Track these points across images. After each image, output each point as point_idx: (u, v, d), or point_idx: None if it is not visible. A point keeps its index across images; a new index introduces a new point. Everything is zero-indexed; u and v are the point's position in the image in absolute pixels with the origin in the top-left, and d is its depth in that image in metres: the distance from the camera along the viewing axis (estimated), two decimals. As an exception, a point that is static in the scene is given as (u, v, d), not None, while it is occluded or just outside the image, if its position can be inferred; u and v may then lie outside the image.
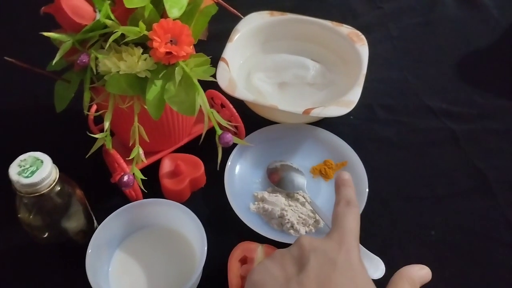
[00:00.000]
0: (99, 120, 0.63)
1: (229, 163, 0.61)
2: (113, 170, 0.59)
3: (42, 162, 0.43)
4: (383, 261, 0.53)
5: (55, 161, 0.44)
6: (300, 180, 0.61)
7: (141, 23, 0.46)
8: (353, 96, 0.62)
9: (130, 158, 0.49)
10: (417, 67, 0.78)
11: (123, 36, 0.47)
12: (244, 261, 0.52)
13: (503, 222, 0.60)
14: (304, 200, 0.59)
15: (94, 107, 0.62)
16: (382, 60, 0.78)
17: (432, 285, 0.53)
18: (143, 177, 0.50)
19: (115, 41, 0.47)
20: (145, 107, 0.48)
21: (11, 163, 0.43)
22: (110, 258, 0.52)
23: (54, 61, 0.46)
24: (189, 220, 0.51)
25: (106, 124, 0.49)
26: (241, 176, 0.62)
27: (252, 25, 0.72)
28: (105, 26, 0.47)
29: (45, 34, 0.46)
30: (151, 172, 0.58)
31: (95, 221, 0.54)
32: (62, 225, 0.48)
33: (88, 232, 0.51)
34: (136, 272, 0.51)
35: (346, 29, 0.72)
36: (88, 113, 0.50)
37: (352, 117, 0.70)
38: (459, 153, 0.67)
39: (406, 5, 0.88)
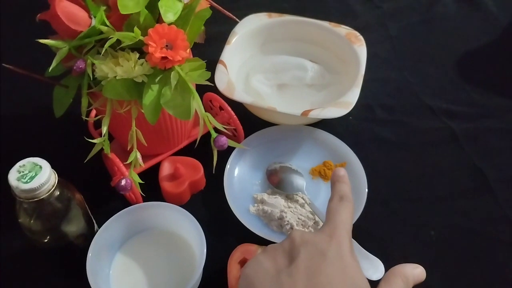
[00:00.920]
0: (99, 124, 0.63)
1: (228, 165, 0.62)
2: (113, 173, 0.59)
3: (40, 167, 0.43)
4: (382, 262, 0.53)
5: (54, 166, 0.45)
6: (300, 181, 0.61)
7: (136, 29, 0.46)
8: (352, 97, 0.62)
9: (128, 162, 0.49)
10: (416, 67, 0.78)
11: (119, 41, 0.48)
12: (243, 263, 0.52)
13: (503, 222, 0.59)
14: (304, 201, 0.59)
15: (94, 112, 0.63)
16: (381, 60, 0.78)
17: (432, 285, 0.54)
18: (141, 181, 0.50)
19: (111, 46, 0.48)
20: (142, 111, 0.48)
21: (10, 168, 0.43)
22: (111, 261, 0.53)
23: (50, 68, 0.47)
24: (189, 222, 0.52)
25: (104, 129, 0.49)
26: (240, 178, 0.62)
27: (250, 27, 0.72)
28: (101, 32, 0.47)
29: (41, 41, 0.46)
30: (151, 175, 0.58)
31: (95, 224, 0.55)
32: (62, 229, 0.48)
33: (88, 235, 0.51)
34: (136, 275, 0.52)
35: (344, 30, 0.72)
36: (86, 118, 0.50)
37: (351, 118, 0.70)
38: (459, 153, 0.67)
39: (405, 5, 0.88)
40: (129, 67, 0.48)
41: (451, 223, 0.59)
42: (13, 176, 0.43)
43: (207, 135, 0.52)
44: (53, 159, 0.45)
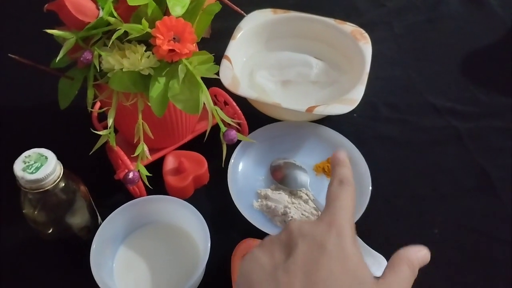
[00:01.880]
0: (103, 117, 0.63)
1: (232, 160, 0.62)
2: (117, 167, 0.59)
3: (46, 158, 0.43)
4: (386, 259, 0.53)
5: (59, 158, 0.45)
6: (304, 177, 0.61)
7: (144, 21, 0.46)
8: (356, 94, 0.62)
9: (135, 155, 0.49)
10: (420, 65, 0.78)
11: (126, 33, 0.48)
12: (246, 258, 0.52)
13: (506, 221, 0.59)
14: (308, 197, 0.59)
15: (98, 104, 0.62)
16: (385, 58, 0.78)
17: (436, 283, 0.54)
18: (148, 174, 0.50)
19: (118, 38, 0.48)
20: (149, 104, 0.48)
21: (15, 159, 0.43)
22: (114, 254, 0.52)
23: (57, 59, 0.47)
24: (193, 217, 0.51)
25: (110, 121, 0.49)
26: (244, 173, 0.62)
27: (255, 23, 0.72)
28: (108, 24, 0.47)
29: (48, 31, 0.46)
30: (155, 169, 0.58)
31: (99, 217, 0.54)
32: (66, 221, 0.48)
33: (92, 228, 0.51)
34: (140, 268, 0.52)
35: (349, 27, 0.72)
36: (92, 110, 0.50)
37: (355, 115, 0.70)
38: (462, 152, 0.67)
39: (410, 3, 0.88)
40: (135, 60, 0.48)
41: (454, 221, 0.59)
42: (18, 167, 0.43)
43: (212, 130, 0.52)
44: (58, 151, 0.45)
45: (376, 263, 0.53)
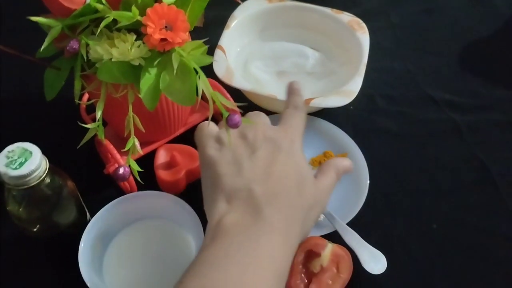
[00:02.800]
0: (91, 109, 0.61)
1: (226, 154, 0.60)
2: (107, 161, 0.57)
3: (31, 153, 0.41)
4: (384, 255, 0.52)
5: (45, 152, 0.43)
6: (299, 171, 0.60)
7: (134, 8, 0.44)
8: (354, 86, 0.60)
9: (126, 149, 0.47)
10: (418, 57, 0.76)
11: (115, 21, 0.45)
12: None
13: (506, 216, 0.58)
14: (303, 192, 0.58)
15: (86, 96, 0.60)
16: (382, 49, 0.76)
17: (434, 278, 0.53)
18: (140, 169, 0.48)
19: (106, 27, 0.45)
20: (139, 96, 0.46)
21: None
22: (104, 251, 0.51)
23: (42, 47, 0.44)
24: (185, 213, 0.50)
25: (98, 114, 0.47)
26: (238, 167, 0.60)
27: (249, 11, 0.70)
28: (96, 11, 0.45)
29: (33, 18, 0.44)
30: (146, 163, 0.56)
31: (88, 213, 0.52)
32: (53, 218, 0.46)
33: (80, 225, 0.49)
34: (131, 266, 0.50)
35: (346, 17, 0.70)
36: (79, 102, 0.48)
37: (352, 107, 0.68)
38: (461, 145, 0.65)
39: (407, -7, 0.86)
40: (125, 49, 0.45)
41: (453, 216, 0.58)
42: (1, 162, 0.40)
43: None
44: (44, 145, 0.43)
45: (374, 259, 0.52)
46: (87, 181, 0.53)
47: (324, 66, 0.68)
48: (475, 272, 0.54)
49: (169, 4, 0.45)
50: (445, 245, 0.56)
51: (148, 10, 0.44)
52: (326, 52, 0.70)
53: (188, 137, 0.60)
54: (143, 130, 0.48)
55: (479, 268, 0.54)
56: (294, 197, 0.42)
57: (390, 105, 0.70)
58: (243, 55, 0.70)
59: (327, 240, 0.52)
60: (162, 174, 0.56)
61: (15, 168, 0.40)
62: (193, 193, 0.58)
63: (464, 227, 0.57)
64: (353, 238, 0.53)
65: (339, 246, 0.51)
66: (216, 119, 0.50)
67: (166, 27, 0.45)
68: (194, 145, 0.59)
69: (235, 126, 0.42)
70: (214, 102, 0.44)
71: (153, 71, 0.46)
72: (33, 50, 0.48)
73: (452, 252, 0.55)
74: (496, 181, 0.61)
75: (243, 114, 0.61)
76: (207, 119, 0.48)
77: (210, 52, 0.50)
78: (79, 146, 0.47)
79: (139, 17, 0.44)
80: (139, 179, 0.50)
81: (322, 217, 0.55)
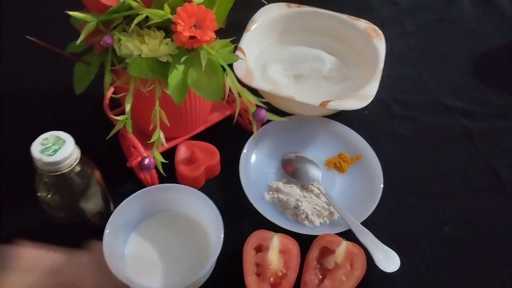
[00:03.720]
0: (114, 105, 0.63)
1: (244, 150, 0.61)
2: (129, 154, 0.58)
3: (64, 141, 0.43)
4: (397, 254, 0.53)
5: (74, 142, 0.44)
6: (315, 172, 0.61)
7: (166, 6, 0.46)
8: (370, 90, 0.62)
9: (151, 141, 0.48)
10: (432, 64, 0.78)
11: (145, 19, 0.47)
12: (259, 249, 0.52)
13: (516, 220, 0.60)
14: (319, 191, 0.59)
15: (111, 90, 0.62)
16: (397, 56, 0.78)
17: (445, 280, 0.54)
18: (164, 161, 0.50)
19: (137, 24, 0.47)
20: (166, 91, 0.48)
21: (30, 143, 0.43)
22: (126, 240, 0.52)
23: (78, 41, 0.46)
24: (206, 207, 0.51)
25: (127, 107, 0.49)
26: (256, 166, 0.62)
27: (269, 16, 0.72)
28: (130, 8, 0.47)
29: (70, 13, 0.46)
30: (166, 158, 0.57)
31: (111, 204, 0.54)
32: (80, 206, 0.48)
33: (104, 214, 0.51)
34: (151, 256, 0.51)
35: (363, 24, 0.72)
36: (113, 95, 0.50)
37: (366, 112, 0.70)
38: (472, 151, 0.67)
39: (422, 2, 0.88)
40: (155, 46, 0.47)
41: (464, 220, 0.59)
42: (36, 149, 0.42)
43: (225, 120, 0.51)
44: (72, 136, 0.44)
45: (389, 258, 0.53)
46: (110, 173, 0.54)
47: (340, 71, 0.70)
48: (485, 274, 0.55)
49: (198, 4, 0.47)
50: (456, 246, 0.57)
51: (179, 9, 0.46)
52: (342, 57, 0.72)
53: (208, 135, 0.62)
54: (168, 124, 0.50)
55: (489, 270, 0.55)
56: None
57: (403, 110, 0.71)
58: (262, 57, 0.72)
59: (341, 238, 0.53)
60: (183, 169, 0.58)
61: (50, 155, 0.42)
62: (211, 189, 0.60)
63: (475, 230, 0.59)
64: (367, 237, 0.54)
65: (354, 244, 0.53)
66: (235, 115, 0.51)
67: (195, 25, 0.47)
68: (213, 142, 0.61)
69: (261, 120, 0.44)
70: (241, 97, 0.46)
71: (181, 67, 0.48)
72: (63, 45, 0.50)
73: (463, 253, 0.57)
74: (506, 187, 0.62)
75: (262, 124, 0.63)
76: (227, 117, 0.49)
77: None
78: (108, 137, 0.49)
79: (170, 15, 0.46)
80: (162, 171, 0.51)
81: (336, 215, 0.57)
